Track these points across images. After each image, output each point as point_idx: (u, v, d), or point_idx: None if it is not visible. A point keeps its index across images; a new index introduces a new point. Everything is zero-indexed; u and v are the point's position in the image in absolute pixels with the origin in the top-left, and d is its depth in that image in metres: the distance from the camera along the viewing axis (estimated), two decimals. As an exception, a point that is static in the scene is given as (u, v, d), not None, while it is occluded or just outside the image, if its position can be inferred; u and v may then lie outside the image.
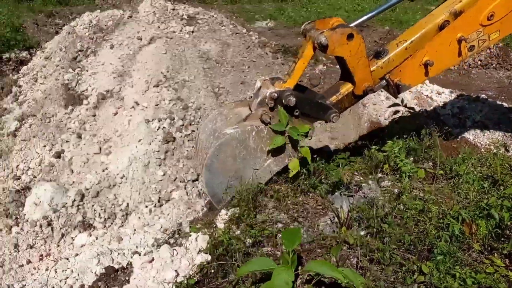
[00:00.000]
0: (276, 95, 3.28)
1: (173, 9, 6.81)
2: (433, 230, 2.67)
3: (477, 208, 2.73)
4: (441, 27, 3.57)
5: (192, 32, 6.44)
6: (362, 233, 2.95)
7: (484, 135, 5.57)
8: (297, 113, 3.42)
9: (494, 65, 8.66)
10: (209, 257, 2.45)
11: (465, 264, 2.45)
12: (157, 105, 5.46)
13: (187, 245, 2.66)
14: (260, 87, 3.45)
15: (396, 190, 3.46)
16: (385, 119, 5.68)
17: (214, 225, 2.99)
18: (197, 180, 4.95)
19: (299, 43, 8.68)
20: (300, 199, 3.49)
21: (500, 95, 7.14)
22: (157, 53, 5.96)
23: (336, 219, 3.10)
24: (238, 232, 2.90)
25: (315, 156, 3.53)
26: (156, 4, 6.84)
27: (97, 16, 6.99)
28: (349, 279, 1.71)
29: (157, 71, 5.76)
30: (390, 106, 5.17)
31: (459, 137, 5.50)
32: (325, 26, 3.39)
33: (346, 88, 3.59)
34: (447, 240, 2.57)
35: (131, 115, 5.44)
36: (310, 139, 3.54)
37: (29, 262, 4.12)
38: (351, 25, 3.35)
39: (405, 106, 5.09)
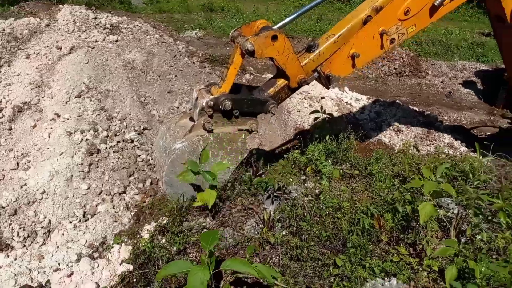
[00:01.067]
0: (212, 103, 3.43)
1: (95, 18, 6.61)
2: (346, 226, 2.88)
3: (384, 203, 2.99)
4: (365, 22, 3.90)
5: (116, 41, 6.29)
6: (284, 232, 3.10)
7: (398, 137, 6.07)
8: (236, 114, 3.57)
9: (407, 73, 9.47)
10: (131, 267, 2.43)
11: (374, 255, 2.67)
12: (79, 116, 5.26)
13: (109, 257, 2.61)
14: (197, 97, 3.59)
15: (316, 191, 3.68)
16: (308, 125, 5.98)
17: (139, 236, 2.97)
18: (124, 192, 4.84)
19: (227, 53, 8.85)
20: (227, 204, 3.58)
21: (412, 100, 7.82)
22: (78, 62, 5.75)
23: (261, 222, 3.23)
24: (163, 241, 2.91)
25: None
26: (76, 12, 6.60)
27: (11, 24, 6.56)
28: (261, 273, 1.81)
29: (78, 81, 5.55)
30: (311, 113, 5.45)
31: (376, 140, 5.93)
32: (251, 30, 3.59)
33: (282, 81, 3.82)
34: (358, 234, 2.78)
35: (51, 128, 5.18)
36: (256, 132, 3.77)
37: None
38: (274, 27, 3.55)
39: (324, 112, 5.42)
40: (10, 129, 5.11)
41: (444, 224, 2.92)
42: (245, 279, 2.58)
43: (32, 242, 4.30)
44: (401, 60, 9.59)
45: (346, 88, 7.58)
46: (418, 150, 5.58)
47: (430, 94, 8.40)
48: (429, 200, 2.73)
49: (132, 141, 5.28)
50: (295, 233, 2.96)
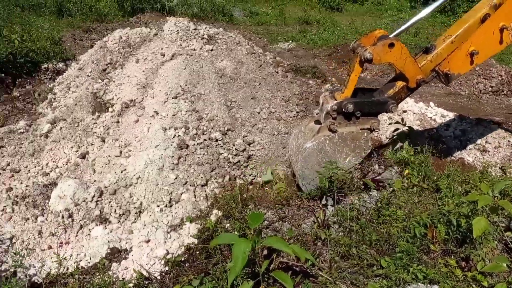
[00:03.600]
0: (335, 107, 3.97)
1: (195, 29, 7.40)
2: (398, 232, 2.98)
3: (439, 215, 3.02)
4: (483, 20, 4.05)
5: (211, 50, 6.98)
6: (340, 234, 3.29)
7: (483, 157, 5.76)
8: (358, 115, 4.03)
9: (505, 91, 8.77)
10: (196, 241, 2.84)
11: (421, 262, 2.74)
12: (174, 115, 5.97)
13: (181, 232, 3.06)
14: (323, 102, 4.15)
15: (379, 199, 3.78)
16: (386, 137, 5.97)
17: (208, 218, 3.39)
18: (206, 185, 5.39)
19: (312, 64, 9.13)
20: (290, 202, 3.87)
21: (508, 121, 7.28)
22: (177, 68, 6.51)
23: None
24: (228, 225, 3.30)
25: None
26: (180, 24, 7.46)
27: (126, 33, 7.67)
28: (296, 252, 2.07)
29: (176, 84, 6.30)
30: (391, 124, 5.48)
31: (458, 158, 5.71)
32: (369, 40, 4.01)
33: (401, 82, 4.21)
34: (408, 241, 2.87)
35: (150, 123, 5.97)
36: (378, 130, 4.39)
37: (50, 247, 4.60)
38: (390, 36, 3.94)
39: (405, 125, 5.42)
40: (118, 122, 6.02)
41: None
42: (294, 267, 2.83)
43: (125, 219, 5.03)
44: (500, 78, 8.91)
45: (431, 104, 7.35)
46: (504, 173, 5.28)
47: (530, 115, 7.68)
48: (487, 214, 2.72)
49: (217, 140, 5.83)
50: (347, 233, 3.13)
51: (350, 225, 3.12)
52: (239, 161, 5.71)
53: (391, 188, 3.72)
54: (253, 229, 2.17)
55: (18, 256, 3.52)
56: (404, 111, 6.63)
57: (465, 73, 4.50)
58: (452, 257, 2.82)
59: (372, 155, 4.72)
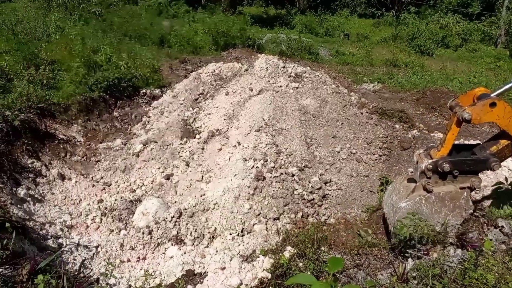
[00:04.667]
0: (430, 166, 3.85)
1: (284, 67, 7.68)
2: (486, 298, 2.72)
3: (539, 287, 2.71)
4: None
5: (297, 88, 7.16)
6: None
7: None
8: (456, 174, 3.88)
9: None
10: (269, 276, 2.86)
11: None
12: (255, 146, 6.18)
13: (254, 264, 3.11)
14: (417, 161, 4.05)
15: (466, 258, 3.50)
16: (484, 197, 5.53)
17: (281, 254, 3.40)
18: (278, 219, 5.42)
19: (398, 107, 8.88)
20: (367, 249, 3.74)
21: None
22: (263, 102, 6.77)
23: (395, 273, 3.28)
24: (300, 264, 3.28)
25: None
26: (270, 61, 7.80)
27: (219, 67, 8.20)
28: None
29: (260, 118, 6.54)
30: (494, 185, 5.09)
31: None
32: (468, 99, 3.87)
33: (505, 140, 3.93)
34: (498, 309, 2.61)
35: (232, 152, 6.23)
36: (479, 189, 4.20)
37: (128, 260, 4.92)
38: (492, 95, 3.74)
39: (510, 184, 4.98)
40: (203, 148, 6.37)
41: None
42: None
43: (199, 243, 5.22)
44: None
45: None
46: None
47: None
48: None
49: (293, 175, 5.88)
50: (427, 291, 2.94)
51: (432, 283, 2.92)
52: (313, 199, 5.68)
53: (480, 248, 3.42)
54: (330, 274, 2.14)
55: (109, 266, 3.81)
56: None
57: None
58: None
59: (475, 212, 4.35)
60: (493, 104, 3.63)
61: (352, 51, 20.72)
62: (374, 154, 6.22)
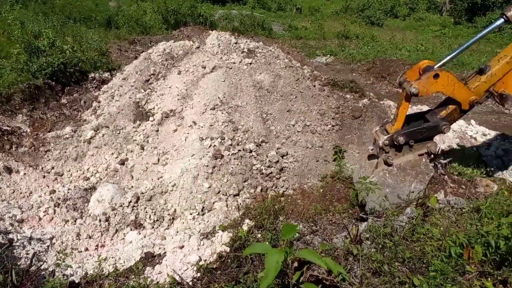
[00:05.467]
0: (387, 142, 4.09)
1: (236, 43, 7.58)
2: (432, 251, 2.90)
3: (478, 235, 2.92)
4: None
5: (250, 63, 7.12)
6: (373, 250, 3.24)
7: (528, 179, 5.50)
8: (412, 143, 4.11)
9: (553, 110, 8.33)
10: (228, 249, 2.90)
11: (456, 282, 2.66)
12: (211, 125, 6.12)
13: (213, 240, 3.13)
14: (375, 138, 4.30)
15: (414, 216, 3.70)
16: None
17: (240, 227, 3.45)
18: (238, 195, 5.46)
19: (350, 78, 9.08)
20: (321, 215, 3.86)
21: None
22: (217, 80, 6.69)
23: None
24: (259, 235, 3.34)
25: None
26: (222, 37, 7.66)
27: (170, 46, 7.97)
28: (328, 265, 2.07)
29: (215, 96, 6.47)
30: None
31: (499, 178, 5.48)
32: (414, 73, 4.11)
33: (453, 105, 4.21)
34: (443, 260, 2.79)
35: (188, 133, 6.15)
36: (436, 153, 4.33)
37: (86, 249, 4.81)
38: (435, 66, 3.99)
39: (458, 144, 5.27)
40: (157, 130, 6.24)
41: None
42: (325, 281, 2.82)
43: (159, 225, 5.17)
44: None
45: (472, 122, 7.10)
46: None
47: None
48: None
49: (251, 151, 5.91)
50: (379, 249, 3.08)
51: (383, 241, 3.07)
52: (271, 173, 5.76)
53: (427, 206, 3.63)
54: (285, 240, 2.19)
55: (60, 255, 3.70)
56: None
57: None
58: (489, 279, 2.70)
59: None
60: (436, 76, 3.85)
61: (305, 25, 20.83)
62: (327, 125, 6.35)
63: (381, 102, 6.75)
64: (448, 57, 4.10)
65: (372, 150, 4.95)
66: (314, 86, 6.76)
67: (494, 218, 3.50)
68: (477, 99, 4.10)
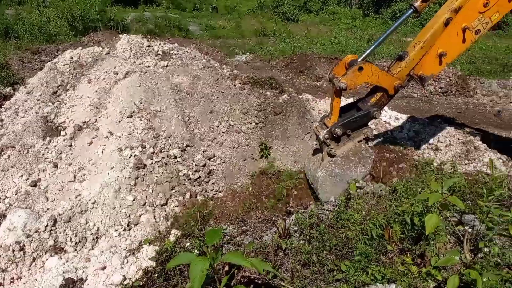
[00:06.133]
0: (327, 135, 4.36)
1: (149, 46, 7.29)
2: (356, 235, 3.00)
3: (394, 215, 3.07)
4: (446, 24, 4.36)
5: (166, 66, 6.89)
6: (301, 242, 3.28)
7: (436, 156, 5.97)
8: (349, 133, 4.42)
9: (453, 92, 9.21)
10: (154, 264, 2.74)
11: (380, 262, 2.77)
12: (129, 134, 5.82)
13: (138, 256, 2.95)
14: (316, 134, 4.57)
15: (338, 204, 3.81)
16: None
17: (167, 239, 3.29)
18: (165, 204, 5.25)
19: (270, 75, 9.23)
20: (250, 214, 3.82)
21: (457, 120, 7.62)
22: (132, 86, 6.37)
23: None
24: (188, 244, 3.21)
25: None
26: (133, 41, 7.32)
27: (78, 53, 7.44)
28: (254, 265, 2.03)
29: (130, 102, 6.16)
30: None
31: (413, 158, 5.88)
32: (341, 69, 4.38)
33: (380, 92, 4.59)
34: (366, 243, 2.89)
35: (105, 144, 5.77)
36: (372, 136, 4.66)
37: (0, 285, 4.32)
38: (358, 60, 4.28)
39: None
40: (71, 145, 5.78)
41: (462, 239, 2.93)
42: (256, 280, 2.79)
43: (82, 247, 4.79)
44: (448, 79, 9.36)
45: (385, 108, 7.57)
46: (455, 169, 5.49)
47: (477, 113, 8.09)
48: (438, 211, 2.79)
49: (175, 157, 5.72)
50: (307, 241, 3.12)
51: (310, 232, 3.12)
52: (199, 177, 5.62)
53: (348, 192, 3.77)
54: (210, 246, 2.11)
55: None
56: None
57: (437, 73, 4.84)
58: (408, 255, 2.86)
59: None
60: (360, 69, 4.18)
61: (222, 24, 20.83)
62: (251, 123, 6.36)
63: (300, 96, 6.92)
64: (369, 50, 4.39)
65: (315, 145, 5.24)
66: (235, 85, 6.73)
67: (409, 197, 3.74)
68: (400, 83, 4.50)
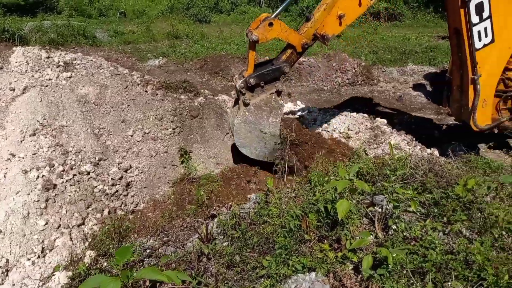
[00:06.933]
0: (242, 84, 4.86)
1: (48, 57, 6.77)
2: (275, 229, 3.06)
3: (309, 205, 3.19)
4: None
5: (69, 77, 6.45)
6: (225, 244, 3.27)
7: (349, 143, 6.34)
8: (262, 85, 4.92)
9: (359, 82, 9.86)
10: (67, 291, 2.55)
11: (299, 253, 2.85)
12: (34, 154, 5.36)
13: (49, 285, 2.72)
14: (235, 84, 4.98)
15: (258, 201, 3.86)
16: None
17: (81, 261, 3.08)
18: (83, 224, 4.93)
19: (184, 78, 9.11)
20: (172, 223, 3.73)
21: (364, 107, 8.16)
22: (32, 102, 5.87)
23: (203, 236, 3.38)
24: (105, 264, 3.04)
25: None
26: (29, 53, 6.75)
27: (-37, 71, 6.67)
28: (170, 278, 1.98)
29: (32, 119, 5.67)
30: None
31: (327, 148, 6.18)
32: (256, 24, 4.74)
33: (290, 49, 5.03)
34: (285, 236, 2.96)
35: (6, 168, 5.26)
36: (282, 90, 5.10)
37: None
38: (270, 17, 4.71)
39: None
40: (-35, 173, 5.17)
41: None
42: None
43: (-10, 284, 4.34)
44: (353, 71, 10.00)
45: (298, 102, 7.88)
46: (366, 154, 5.85)
47: (382, 99, 8.78)
48: (349, 197, 2.94)
49: (88, 173, 5.39)
50: (230, 242, 3.12)
51: (231, 233, 3.12)
52: (117, 191, 5.36)
53: (267, 188, 3.84)
54: (121, 265, 2.01)
55: None
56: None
57: (338, 33, 5.28)
58: (326, 241, 2.99)
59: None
60: (271, 24, 4.63)
61: (132, 29, 20.08)
62: (167, 129, 6.21)
63: (216, 98, 6.91)
64: (280, 9, 4.98)
65: (234, 95, 5.79)
66: (146, 91, 6.52)
67: (323, 186, 3.91)
68: (307, 42, 4.98)
